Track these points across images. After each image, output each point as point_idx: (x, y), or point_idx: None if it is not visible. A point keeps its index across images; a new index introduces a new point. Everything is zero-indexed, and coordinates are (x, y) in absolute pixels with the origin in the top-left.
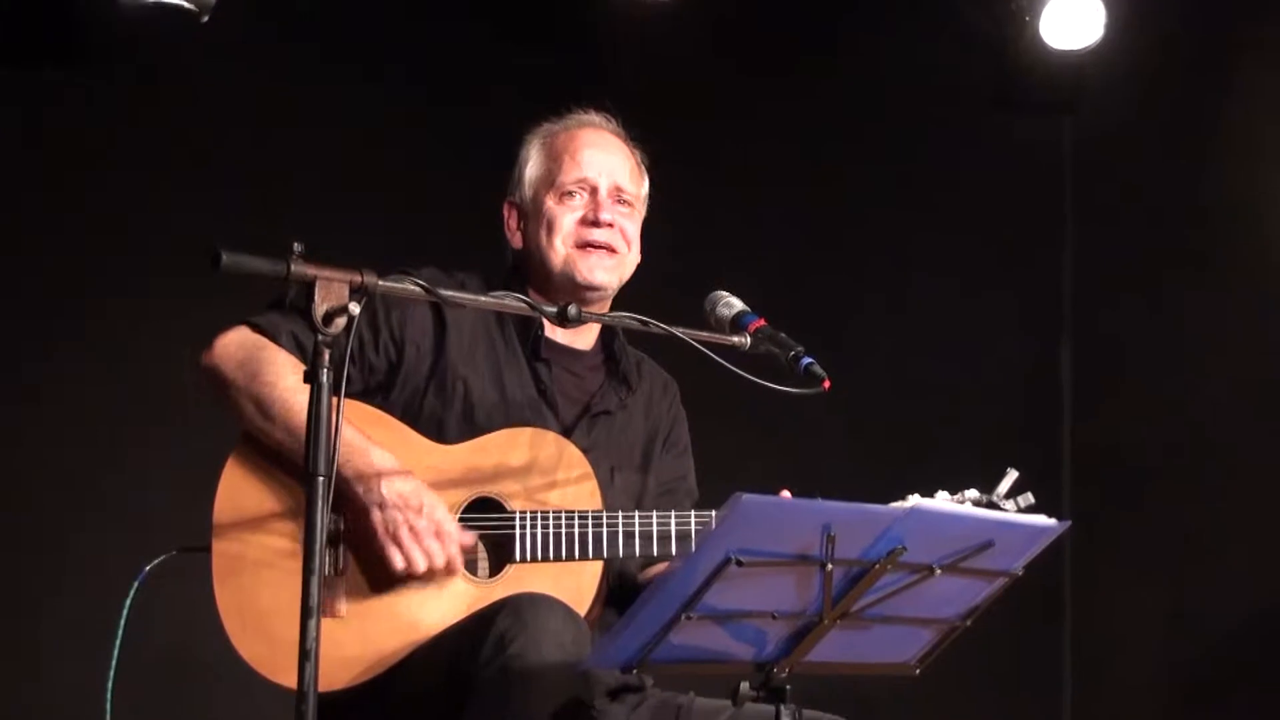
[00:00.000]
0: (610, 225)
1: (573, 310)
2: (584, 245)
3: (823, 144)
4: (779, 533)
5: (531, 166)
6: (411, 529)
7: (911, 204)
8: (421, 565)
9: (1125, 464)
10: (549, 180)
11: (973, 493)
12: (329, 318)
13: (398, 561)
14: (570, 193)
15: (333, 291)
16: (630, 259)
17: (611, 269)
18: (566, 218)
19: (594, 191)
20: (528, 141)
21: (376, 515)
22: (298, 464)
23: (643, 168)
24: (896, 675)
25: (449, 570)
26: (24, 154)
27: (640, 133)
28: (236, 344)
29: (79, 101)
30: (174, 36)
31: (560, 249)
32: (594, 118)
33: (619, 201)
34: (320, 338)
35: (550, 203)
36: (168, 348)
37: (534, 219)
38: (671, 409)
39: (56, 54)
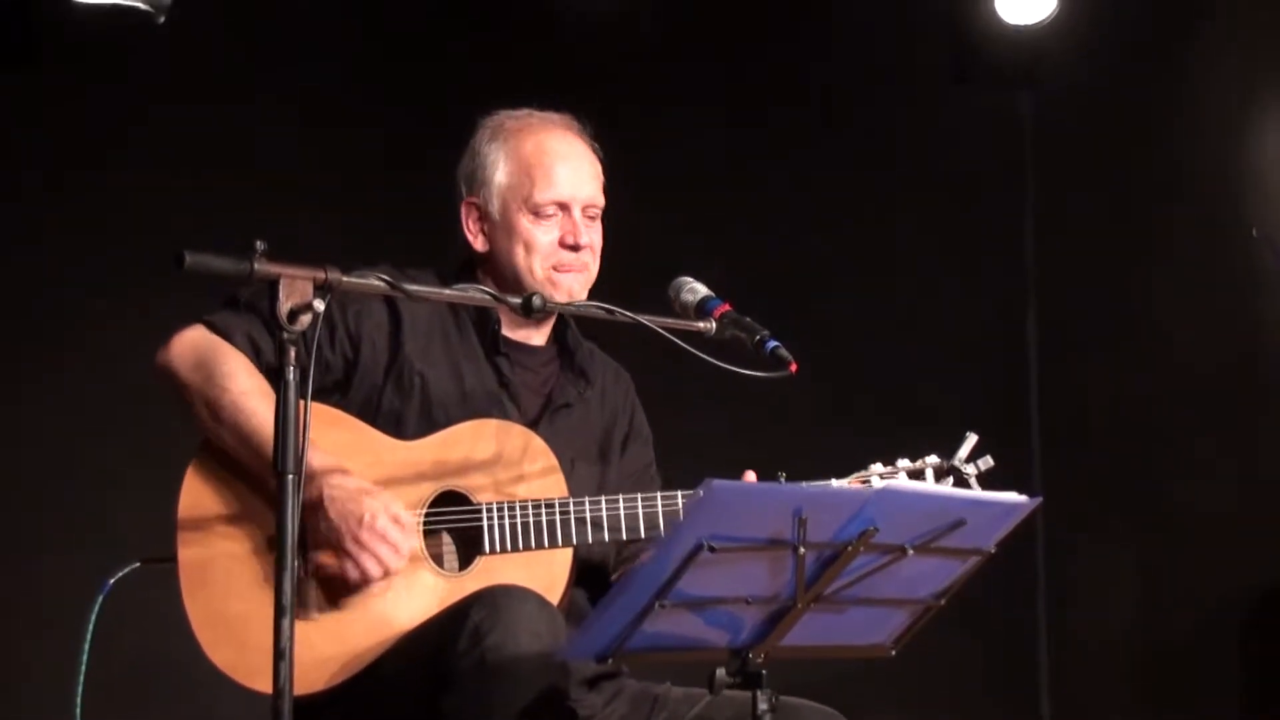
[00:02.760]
0: (586, 248)
1: (537, 300)
2: (560, 267)
3: (783, 124)
4: (750, 518)
5: (500, 174)
6: (355, 539)
7: (874, 180)
8: (375, 573)
9: (1094, 430)
10: (521, 195)
11: (933, 459)
12: (294, 315)
13: (351, 573)
14: (544, 214)
15: (297, 289)
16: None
17: (585, 284)
18: (544, 239)
19: (568, 210)
20: (486, 134)
21: (321, 525)
22: (251, 468)
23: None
24: (872, 657)
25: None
26: None
27: (598, 118)
28: (191, 344)
29: (33, 103)
30: (130, 38)
31: (538, 270)
32: (556, 118)
33: (590, 218)
34: (285, 336)
35: (525, 222)
36: (127, 355)
37: (504, 231)
38: (628, 398)
39: (11, 55)
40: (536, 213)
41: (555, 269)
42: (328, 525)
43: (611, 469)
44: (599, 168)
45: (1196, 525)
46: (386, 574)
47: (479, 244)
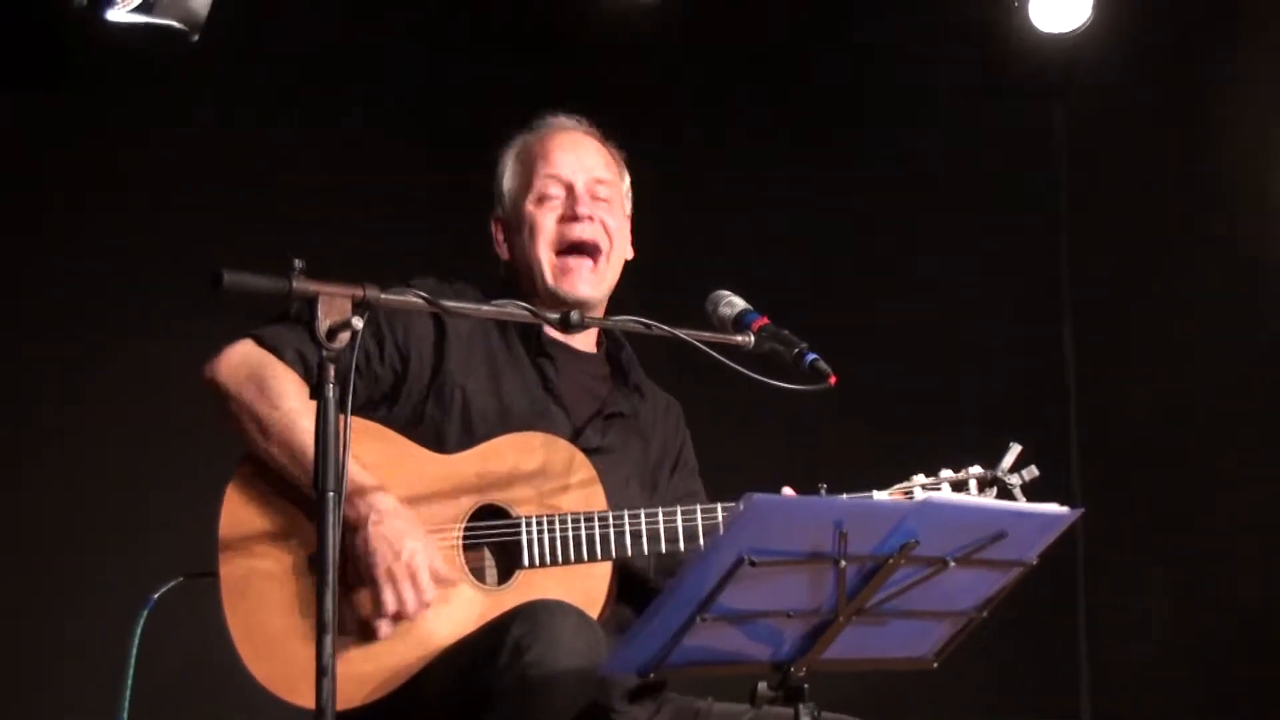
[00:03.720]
0: (590, 219)
1: (575, 316)
2: (566, 249)
3: (816, 134)
4: (791, 531)
5: (509, 178)
6: (389, 571)
7: (907, 191)
8: (390, 607)
9: (1132, 440)
10: (526, 185)
11: (976, 469)
12: (332, 333)
13: (381, 602)
14: (547, 195)
15: (335, 307)
16: (616, 255)
17: (595, 282)
18: (547, 219)
19: (570, 189)
20: (504, 154)
21: (358, 546)
22: (299, 484)
23: (621, 163)
24: (914, 669)
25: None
26: (15, 176)
27: (630, 133)
28: (241, 360)
29: (69, 122)
30: (165, 56)
31: (544, 253)
32: (564, 120)
33: (596, 197)
34: (324, 353)
35: (530, 208)
36: (167, 373)
37: (517, 228)
38: (679, 431)
39: (46, 75)
40: (541, 198)
41: (560, 254)
42: (365, 548)
43: (659, 496)
44: (607, 155)
45: (1236, 536)
46: (401, 614)
47: (505, 254)
